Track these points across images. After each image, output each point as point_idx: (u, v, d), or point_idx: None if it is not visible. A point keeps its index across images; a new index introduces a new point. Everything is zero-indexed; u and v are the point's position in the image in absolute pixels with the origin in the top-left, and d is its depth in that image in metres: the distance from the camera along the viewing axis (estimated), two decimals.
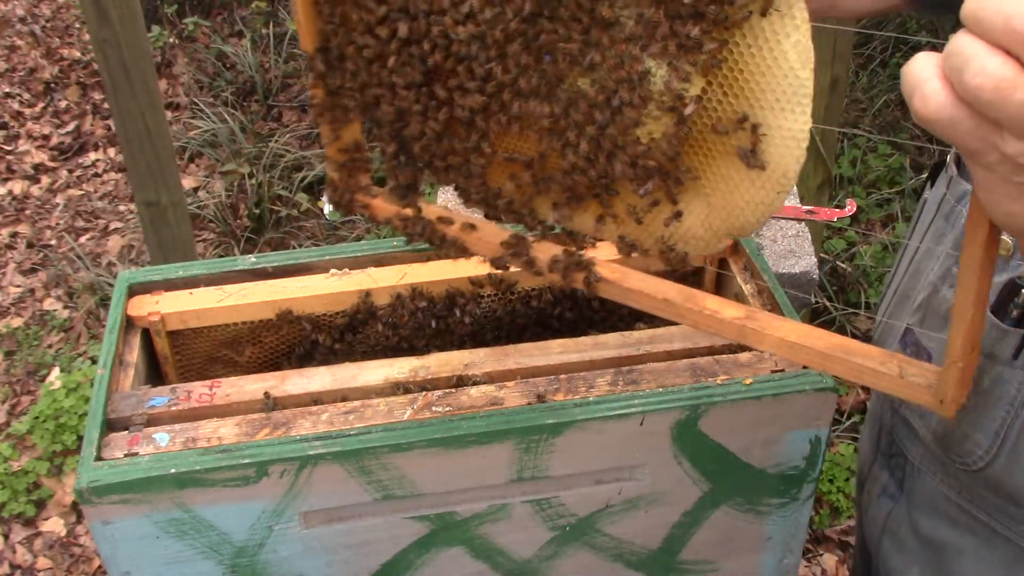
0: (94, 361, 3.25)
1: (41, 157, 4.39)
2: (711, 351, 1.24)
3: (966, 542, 1.13)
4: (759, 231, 1.99)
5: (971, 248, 0.69)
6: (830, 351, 0.82)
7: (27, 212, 4.10)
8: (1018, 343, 0.99)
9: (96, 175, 4.31)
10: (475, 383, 1.21)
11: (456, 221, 0.99)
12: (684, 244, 0.88)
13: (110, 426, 1.17)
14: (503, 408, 1.15)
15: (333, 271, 1.38)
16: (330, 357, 1.38)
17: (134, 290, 1.35)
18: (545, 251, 0.95)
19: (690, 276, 1.45)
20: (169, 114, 4.37)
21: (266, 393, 1.19)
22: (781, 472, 1.23)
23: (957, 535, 1.14)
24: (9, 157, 4.38)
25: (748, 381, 1.17)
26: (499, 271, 0.99)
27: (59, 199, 4.16)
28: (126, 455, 1.11)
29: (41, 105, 4.70)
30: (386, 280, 1.36)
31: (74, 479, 1.26)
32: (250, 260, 1.40)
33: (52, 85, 4.81)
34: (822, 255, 3.17)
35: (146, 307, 1.33)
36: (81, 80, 4.84)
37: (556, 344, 1.26)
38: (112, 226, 3.99)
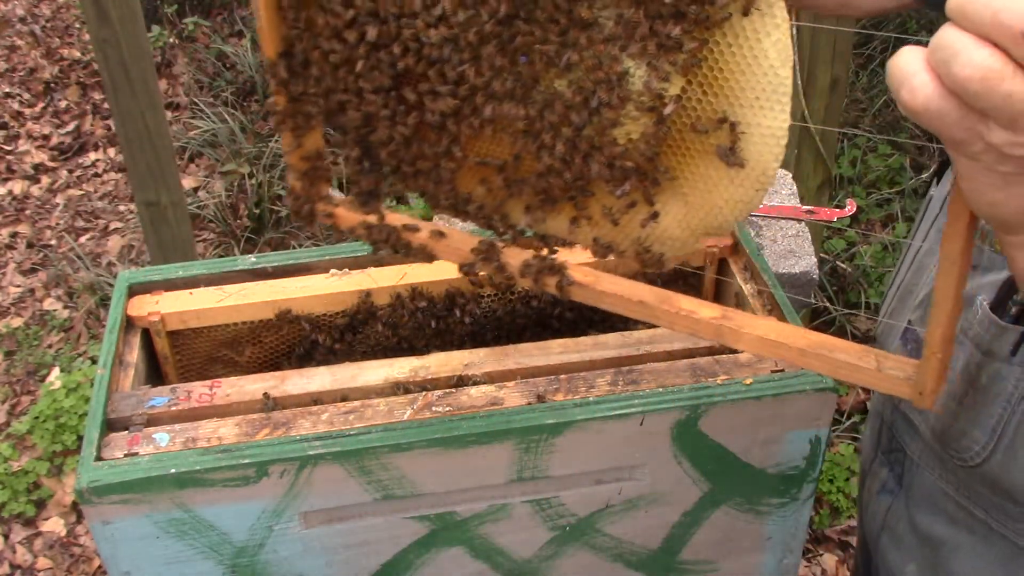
0: (94, 361, 3.25)
1: (41, 157, 4.39)
2: (711, 351, 1.24)
3: (963, 539, 1.13)
4: (759, 231, 1.99)
5: (951, 240, 0.71)
6: (808, 348, 0.83)
7: (27, 212, 4.09)
8: (1016, 340, 0.99)
9: (96, 175, 4.31)
10: (475, 383, 1.21)
11: (423, 228, 0.98)
12: (660, 245, 0.87)
13: (110, 426, 1.17)
14: (503, 408, 1.15)
15: (333, 271, 1.38)
16: (330, 357, 1.38)
17: (134, 290, 1.35)
18: (516, 256, 0.94)
19: (690, 276, 1.45)
20: (169, 114, 4.37)
21: (265, 394, 1.19)
22: (781, 472, 1.23)
23: (954, 532, 1.14)
24: (9, 157, 4.38)
25: (748, 381, 1.17)
26: (469, 277, 0.97)
27: (59, 199, 4.16)
28: (126, 455, 1.11)
29: (41, 105, 4.70)
30: (386, 280, 1.36)
31: (74, 479, 1.26)
32: (250, 260, 1.40)
33: (52, 85, 4.81)
34: (822, 255, 3.17)
35: (146, 307, 1.33)
36: (81, 80, 4.84)
37: (556, 344, 1.26)
38: (112, 226, 3.99)
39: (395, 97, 0.87)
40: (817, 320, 3.07)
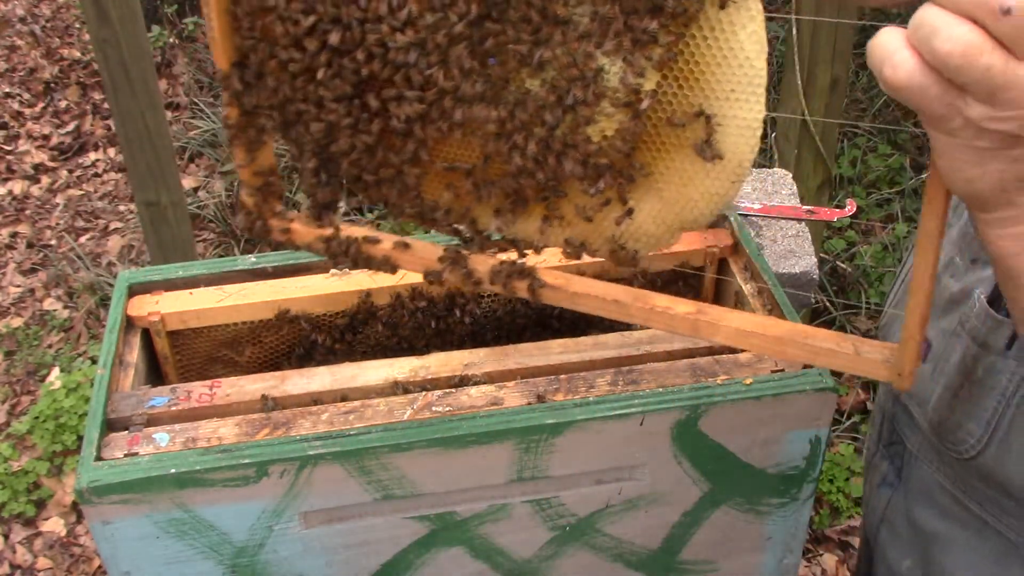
0: (94, 361, 3.25)
1: (41, 157, 4.39)
2: (711, 351, 1.24)
3: (956, 533, 1.14)
4: (759, 231, 1.99)
5: (928, 220, 0.72)
6: (785, 335, 0.83)
7: (27, 212, 4.09)
8: (1011, 334, 1.00)
9: (96, 175, 4.31)
10: (475, 383, 1.21)
11: (385, 240, 0.95)
12: (635, 242, 0.86)
13: (110, 426, 1.17)
14: (503, 408, 1.15)
15: (333, 271, 1.38)
16: (330, 357, 1.38)
17: (134, 290, 1.35)
18: (484, 261, 0.92)
19: (690, 277, 1.45)
20: (169, 114, 4.37)
21: (264, 395, 1.19)
22: (781, 472, 1.23)
23: (948, 526, 1.15)
24: (9, 157, 4.38)
25: (748, 381, 1.17)
26: (433, 284, 0.95)
27: (59, 199, 4.16)
28: (126, 455, 1.11)
29: (41, 105, 4.70)
30: (386, 280, 1.36)
31: (74, 479, 1.26)
32: (250, 260, 1.40)
33: (52, 85, 4.81)
34: (822, 255, 3.17)
35: (146, 307, 1.33)
36: (81, 80, 4.84)
37: (556, 344, 1.26)
38: (112, 226, 3.99)
39: (358, 105, 0.84)
40: (817, 320, 3.07)
